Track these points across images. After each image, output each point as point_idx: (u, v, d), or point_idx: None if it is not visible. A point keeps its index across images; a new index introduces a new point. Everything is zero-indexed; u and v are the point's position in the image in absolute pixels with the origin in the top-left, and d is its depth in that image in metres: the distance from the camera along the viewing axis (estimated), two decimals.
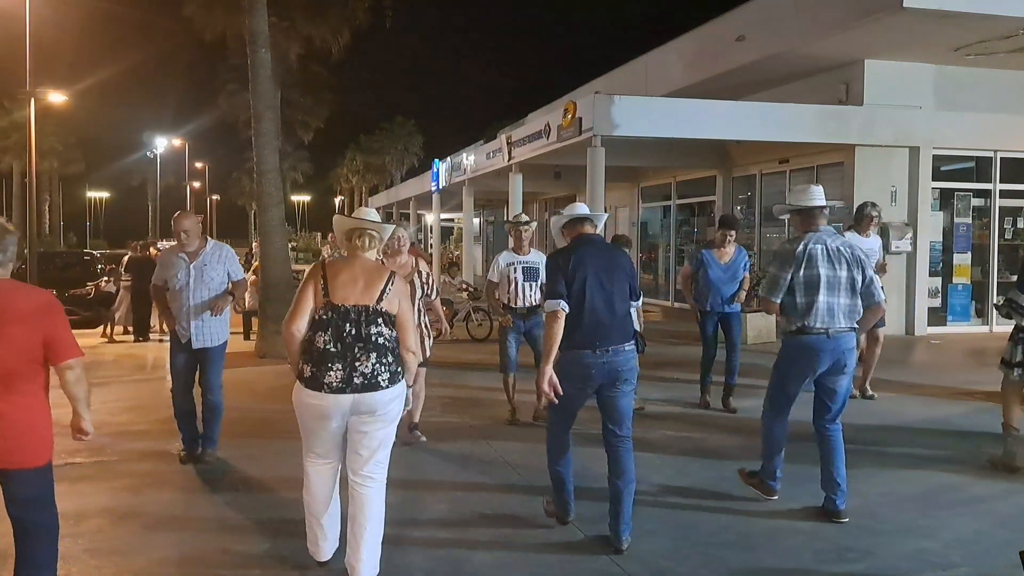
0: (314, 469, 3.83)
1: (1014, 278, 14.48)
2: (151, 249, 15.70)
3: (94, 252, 24.12)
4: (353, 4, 24.41)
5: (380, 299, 3.68)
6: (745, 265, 7.59)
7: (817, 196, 4.78)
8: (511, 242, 7.12)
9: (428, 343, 6.26)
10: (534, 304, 6.82)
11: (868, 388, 7.98)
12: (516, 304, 6.87)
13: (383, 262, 5.63)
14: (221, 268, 5.85)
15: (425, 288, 6.15)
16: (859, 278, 4.59)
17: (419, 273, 6.13)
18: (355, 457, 3.74)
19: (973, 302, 13.58)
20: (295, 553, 4.16)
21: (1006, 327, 14.47)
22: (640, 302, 4.61)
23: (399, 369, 3.74)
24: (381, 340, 3.66)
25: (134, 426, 7.00)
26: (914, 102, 12.94)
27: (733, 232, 7.58)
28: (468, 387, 8.32)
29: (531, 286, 6.87)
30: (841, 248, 4.63)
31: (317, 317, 3.68)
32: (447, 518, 4.67)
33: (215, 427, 5.90)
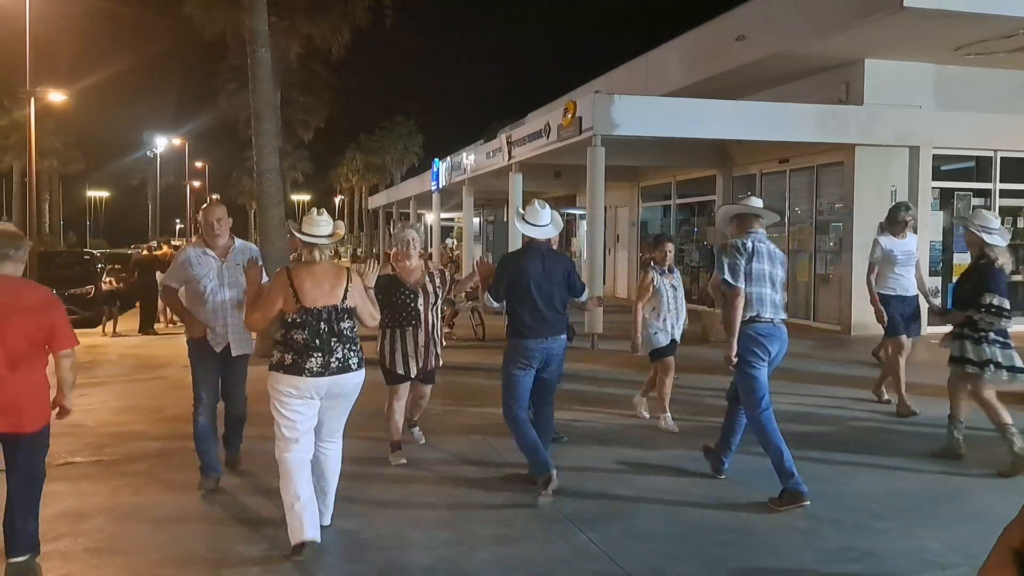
0: (291, 456, 4.12)
1: (1015, 278, 14.52)
2: (164, 247, 15.71)
3: (94, 252, 24.11)
4: (353, 3, 24.37)
5: (344, 298, 4.21)
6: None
7: (754, 202, 5.25)
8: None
9: (437, 351, 5.84)
10: None
11: (884, 392, 7.64)
12: None
13: (392, 267, 5.59)
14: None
15: (439, 292, 5.74)
16: (784, 276, 5.14)
17: (430, 276, 5.72)
18: (322, 428, 4.29)
19: (939, 301, 13.57)
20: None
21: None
22: (585, 296, 5.57)
23: (363, 356, 4.31)
24: (349, 332, 4.24)
25: (134, 426, 7.00)
26: (914, 102, 12.94)
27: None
28: (469, 386, 8.32)
29: None
30: (774, 249, 5.12)
31: (291, 319, 4.13)
32: (447, 518, 4.67)
33: (240, 432, 5.59)
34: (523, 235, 5.23)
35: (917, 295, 7.27)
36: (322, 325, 4.11)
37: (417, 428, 6.30)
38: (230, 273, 5.20)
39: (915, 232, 7.51)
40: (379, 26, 24.47)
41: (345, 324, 4.20)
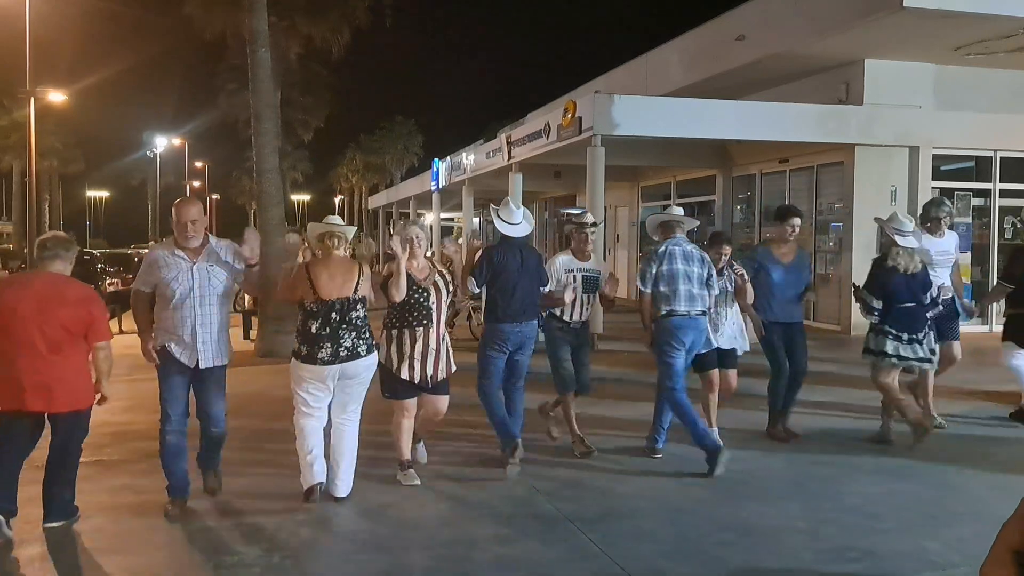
0: (306, 422, 4.84)
1: None
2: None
3: (94, 252, 24.10)
4: (353, 3, 24.36)
5: (356, 290, 4.79)
6: (808, 267, 6.48)
7: (675, 211, 6.14)
8: (572, 243, 6.13)
9: (449, 355, 5.36)
10: (584, 319, 6.04)
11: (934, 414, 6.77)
12: (571, 318, 5.93)
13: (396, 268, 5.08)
14: (227, 268, 4.84)
15: (448, 284, 5.37)
16: (704, 273, 5.79)
17: (440, 275, 5.33)
18: (339, 407, 4.92)
19: (973, 302, 13.55)
20: (295, 550, 4.17)
21: None
22: (548, 288, 5.90)
23: (373, 342, 4.91)
24: (359, 321, 4.81)
25: (134, 426, 6.99)
26: (914, 102, 12.94)
27: (798, 221, 6.52)
28: (469, 387, 8.31)
29: (589, 298, 6.00)
30: (692, 250, 5.85)
31: (309, 308, 4.75)
32: (447, 518, 4.67)
33: (218, 454, 5.08)
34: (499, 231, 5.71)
35: (952, 296, 6.81)
36: (333, 315, 4.74)
37: (422, 444, 5.71)
38: (201, 276, 4.67)
39: (951, 229, 7.08)
40: (379, 26, 24.50)
41: (355, 313, 4.81)
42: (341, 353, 4.72)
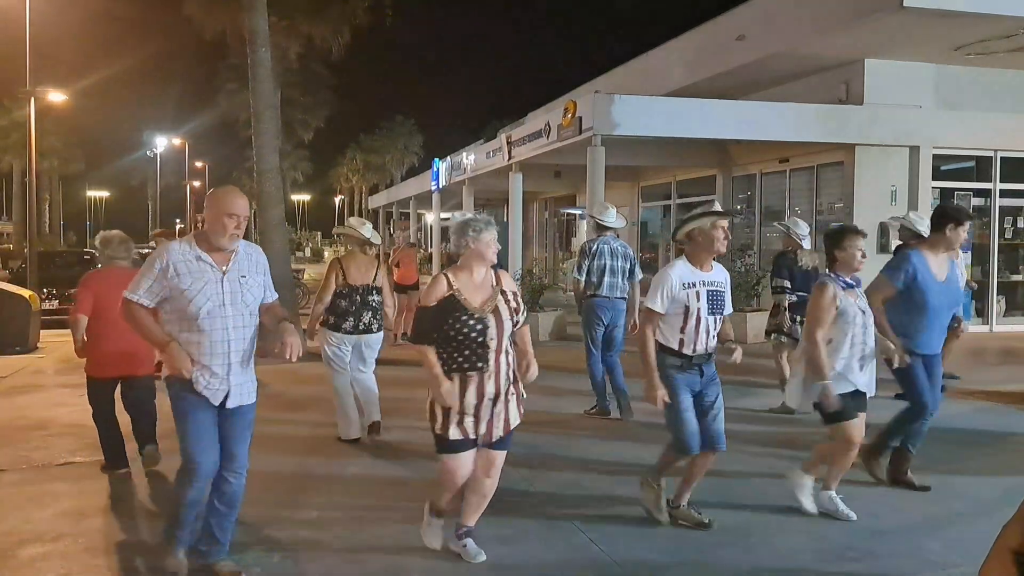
0: (338, 379, 6.28)
1: (1015, 278, 14.47)
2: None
3: (94, 251, 24.10)
4: (353, 3, 24.41)
5: (374, 279, 6.29)
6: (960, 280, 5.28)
7: (610, 217, 7.24)
8: (699, 246, 4.36)
9: (513, 404, 3.94)
10: (710, 350, 4.39)
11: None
12: (693, 349, 4.30)
13: (448, 281, 3.85)
14: (259, 281, 3.82)
15: (517, 317, 3.92)
16: (627, 267, 7.15)
17: (503, 295, 3.89)
18: (357, 365, 6.36)
19: (973, 302, 13.56)
20: (295, 550, 4.16)
21: (1006, 327, 14.45)
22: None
23: (383, 320, 6.39)
24: (375, 303, 6.30)
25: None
26: (914, 101, 12.94)
27: (967, 227, 5.06)
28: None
29: (716, 321, 4.36)
30: (617, 247, 7.16)
31: (339, 291, 6.18)
32: (446, 518, 4.65)
33: (229, 524, 3.85)
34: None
35: None
36: (357, 296, 6.19)
37: (471, 540, 4.11)
38: (232, 288, 3.64)
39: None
40: (379, 26, 24.55)
41: (372, 297, 6.27)
42: (360, 326, 6.20)
